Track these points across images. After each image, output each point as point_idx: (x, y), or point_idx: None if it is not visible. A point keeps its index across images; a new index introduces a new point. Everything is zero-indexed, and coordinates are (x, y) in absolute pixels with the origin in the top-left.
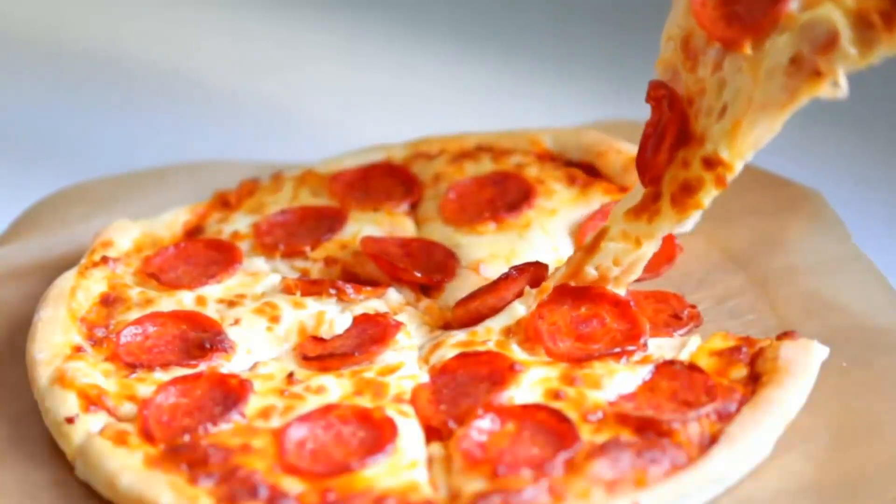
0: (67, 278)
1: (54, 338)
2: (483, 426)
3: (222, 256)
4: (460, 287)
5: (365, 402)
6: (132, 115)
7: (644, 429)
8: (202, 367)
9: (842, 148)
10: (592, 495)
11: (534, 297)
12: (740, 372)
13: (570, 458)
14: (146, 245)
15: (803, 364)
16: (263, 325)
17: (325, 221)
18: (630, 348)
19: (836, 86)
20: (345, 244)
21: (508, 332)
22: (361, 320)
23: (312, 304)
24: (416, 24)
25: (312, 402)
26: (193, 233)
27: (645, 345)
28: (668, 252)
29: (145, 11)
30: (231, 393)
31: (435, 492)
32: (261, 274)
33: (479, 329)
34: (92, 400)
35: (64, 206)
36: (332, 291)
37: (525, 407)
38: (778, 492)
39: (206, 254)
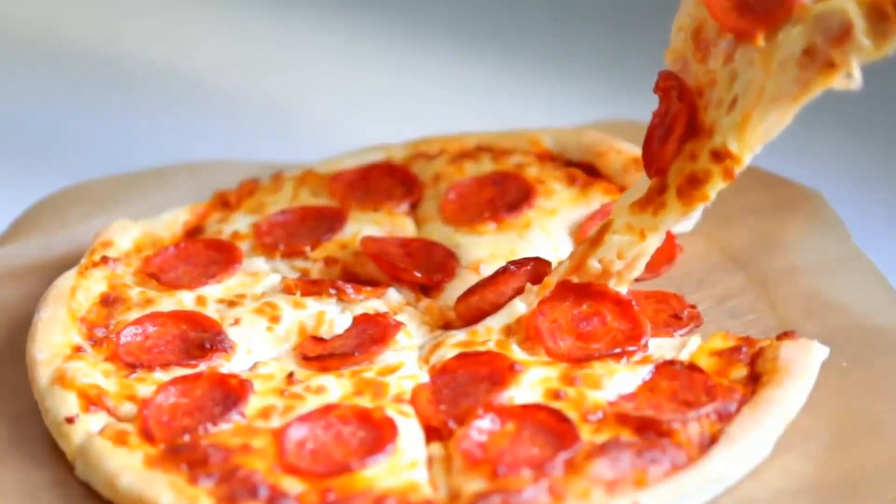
0: (67, 278)
1: (54, 338)
2: (483, 426)
3: (222, 256)
4: (460, 287)
5: (365, 402)
6: (132, 116)
7: (644, 429)
8: (202, 367)
9: (842, 148)
10: (592, 495)
11: (535, 293)
12: (740, 372)
13: (570, 458)
14: (146, 245)
15: (803, 364)
16: (263, 325)
17: (325, 221)
18: (630, 349)
19: (849, 77)
20: (345, 244)
21: (509, 330)
22: (361, 320)
23: (312, 304)
24: (416, 24)
25: (312, 402)
26: (193, 233)
27: (645, 345)
28: (668, 252)
29: (145, 11)
30: (231, 393)
31: (435, 492)
32: (261, 274)
33: (480, 328)
34: (92, 400)
35: (64, 206)
36: (332, 291)
37: (525, 407)
38: (778, 492)
39: (206, 254)
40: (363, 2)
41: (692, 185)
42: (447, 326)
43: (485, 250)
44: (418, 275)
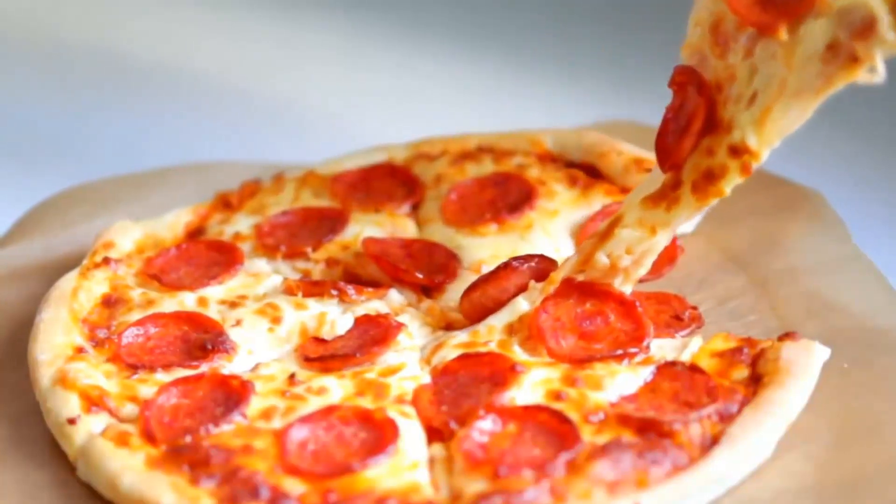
0: (69, 279)
1: (56, 339)
2: (484, 427)
3: (224, 257)
4: (461, 288)
5: (366, 402)
6: (133, 116)
7: (645, 430)
8: (204, 368)
9: (842, 148)
10: (594, 496)
11: (540, 290)
12: (742, 373)
13: (571, 459)
14: (148, 246)
15: (804, 365)
16: (265, 326)
17: (326, 222)
18: (632, 350)
19: (873, 71)
20: (346, 245)
21: (511, 329)
22: (363, 321)
23: (314, 305)
24: (417, 25)
25: (314, 403)
26: (195, 234)
27: (647, 346)
28: (669, 253)
29: (148, 12)
30: (232, 394)
31: (436, 492)
32: (262, 275)
33: (481, 328)
34: (93, 401)
35: (66, 207)
36: (334, 292)
37: (526, 408)
38: (779, 492)
39: (207, 255)
40: (364, 2)
41: (708, 181)
42: (449, 327)
43: (486, 251)
44: (420, 276)
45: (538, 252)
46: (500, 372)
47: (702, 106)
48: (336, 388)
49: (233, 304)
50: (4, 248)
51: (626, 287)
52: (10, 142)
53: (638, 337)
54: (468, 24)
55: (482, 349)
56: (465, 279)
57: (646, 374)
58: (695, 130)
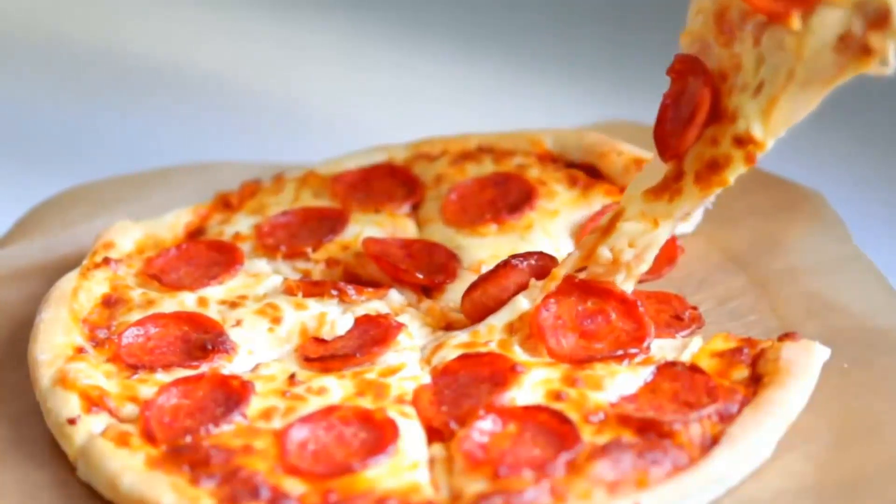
0: (69, 279)
1: (56, 339)
2: (484, 427)
3: (224, 258)
4: (462, 288)
5: (366, 403)
6: (134, 116)
7: (645, 430)
8: (204, 368)
9: (842, 148)
10: (594, 496)
11: (541, 288)
12: (742, 373)
13: (571, 459)
14: (148, 246)
15: (804, 365)
16: (265, 327)
17: (326, 223)
18: (633, 351)
19: (884, 63)
20: (346, 245)
21: (511, 328)
22: (363, 321)
23: (314, 306)
24: (417, 25)
25: (314, 404)
26: (195, 234)
27: (648, 347)
28: (669, 253)
29: (148, 12)
30: (233, 394)
31: (436, 493)
32: (262, 275)
33: (482, 328)
34: (94, 401)
35: (66, 207)
36: (334, 293)
37: (526, 408)
38: (779, 492)
39: (207, 255)
40: (364, 2)
41: (712, 170)
42: (449, 327)
43: (486, 251)
44: (420, 276)
45: None
46: (500, 372)
47: (707, 96)
48: (336, 389)
49: (233, 305)
50: (4, 248)
51: (627, 285)
52: (10, 142)
53: (639, 337)
54: (468, 24)
55: (482, 349)
56: (465, 279)
57: (646, 374)
58: (700, 121)
